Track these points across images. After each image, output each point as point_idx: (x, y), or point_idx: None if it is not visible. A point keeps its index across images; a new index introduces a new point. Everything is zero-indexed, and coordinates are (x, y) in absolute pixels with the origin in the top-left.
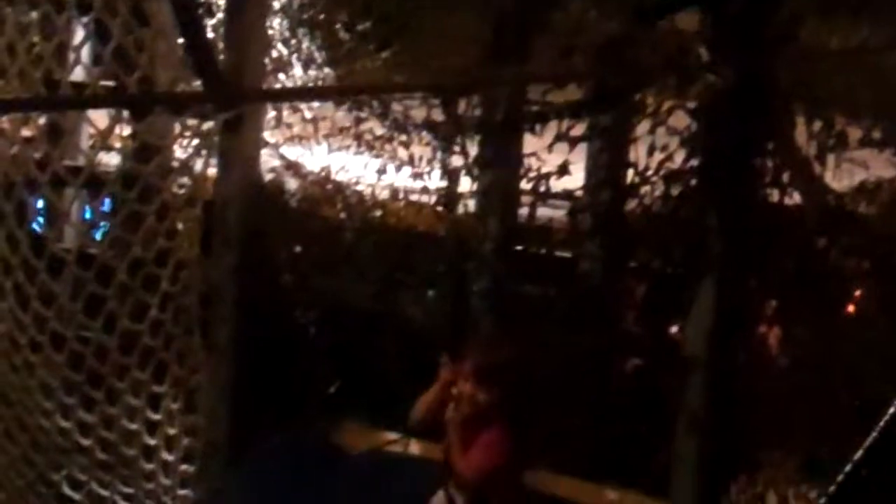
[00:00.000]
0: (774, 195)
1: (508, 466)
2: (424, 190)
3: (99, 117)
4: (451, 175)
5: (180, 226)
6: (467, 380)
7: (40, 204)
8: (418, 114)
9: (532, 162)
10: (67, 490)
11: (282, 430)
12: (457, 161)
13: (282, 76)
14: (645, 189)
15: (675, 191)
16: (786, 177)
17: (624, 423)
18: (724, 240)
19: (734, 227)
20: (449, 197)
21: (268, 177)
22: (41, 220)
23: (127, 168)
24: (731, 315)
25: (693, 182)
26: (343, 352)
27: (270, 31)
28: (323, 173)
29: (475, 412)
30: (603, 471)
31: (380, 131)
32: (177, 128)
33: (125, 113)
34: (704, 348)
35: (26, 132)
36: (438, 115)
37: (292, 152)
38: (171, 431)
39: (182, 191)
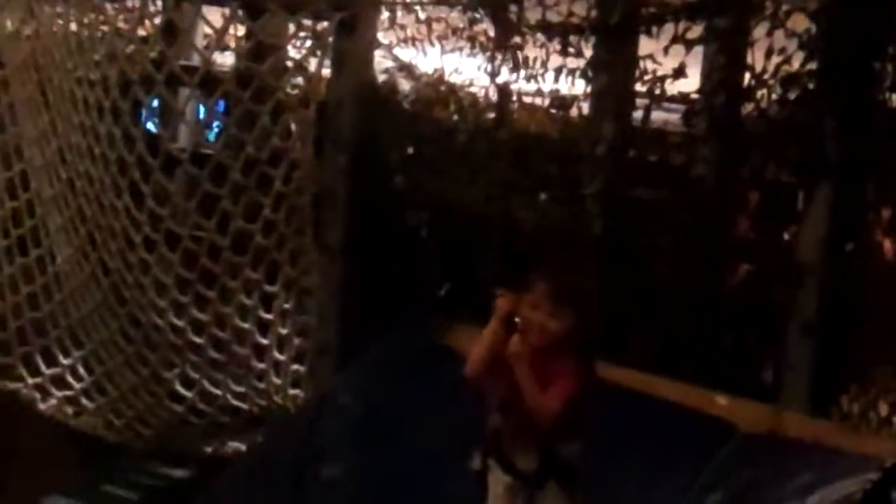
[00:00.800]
0: (894, 100)
1: (585, 399)
2: (538, 92)
3: (214, 17)
4: (564, 77)
5: (293, 126)
6: (538, 307)
7: (155, 103)
8: (532, 15)
9: (647, 64)
10: (179, 388)
11: (392, 331)
12: (571, 63)
13: None
14: (761, 93)
15: (792, 95)
16: None
17: (735, 331)
18: (841, 145)
19: (852, 132)
20: (562, 99)
21: (381, 78)
22: (156, 119)
23: (241, 68)
24: (846, 222)
25: (811, 86)
26: (453, 254)
27: None
28: (436, 75)
29: (547, 343)
30: (713, 378)
31: (493, 33)
32: (291, 27)
33: (240, 12)
34: (818, 255)
35: (142, 31)
36: (553, 16)
37: (405, 53)
38: (283, 331)
39: (296, 91)
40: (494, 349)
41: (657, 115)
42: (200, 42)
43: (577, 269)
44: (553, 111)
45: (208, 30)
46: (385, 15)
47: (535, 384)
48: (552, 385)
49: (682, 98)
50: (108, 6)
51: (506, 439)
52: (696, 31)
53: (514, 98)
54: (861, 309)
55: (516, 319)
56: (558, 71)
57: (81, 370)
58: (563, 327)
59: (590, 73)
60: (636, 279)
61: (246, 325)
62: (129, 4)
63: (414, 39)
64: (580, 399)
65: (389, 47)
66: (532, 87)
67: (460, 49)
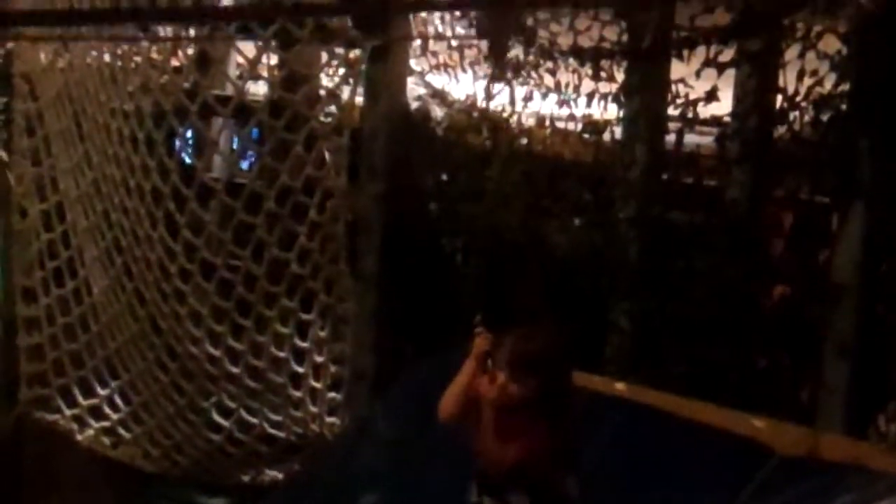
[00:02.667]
0: None
1: (544, 461)
2: (570, 117)
3: (247, 47)
4: (597, 102)
5: (327, 155)
6: (501, 369)
7: (189, 133)
8: (565, 40)
9: (679, 88)
10: (216, 417)
11: (427, 357)
12: (603, 88)
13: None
14: (793, 115)
15: (824, 116)
16: None
17: (771, 352)
18: (875, 165)
19: (884, 152)
20: (595, 124)
21: (414, 105)
22: (190, 149)
23: (275, 97)
24: (880, 242)
25: (843, 107)
26: (488, 280)
27: None
28: (468, 101)
29: (507, 404)
30: (749, 399)
31: (525, 58)
32: (324, 56)
33: (273, 42)
34: (853, 276)
35: (175, 62)
36: (585, 41)
37: (438, 80)
38: (319, 359)
39: (329, 119)
40: (469, 389)
41: (690, 139)
42: (233, 72)
43: (539, 337)
44: (586, 136)
45: (241, 59)
46: (417, 42)
47: (493, 433)
48: (512, 441)
49: (715, 121)
50: (142, 37)
51: (494, 477)
52: (727, 54)
53: (547, 123)
54: None
55: (489, 362)
56: (591, 96)
57: (118, 400)
58: (524, 393)
59: (622, 98)
60: (671, 302)
61: (282, 354)
62: (162, 35)
63: (446, 66)
64: (543, 463)
65: (422, 74)
66: (565, 111)
67: (492, 75)
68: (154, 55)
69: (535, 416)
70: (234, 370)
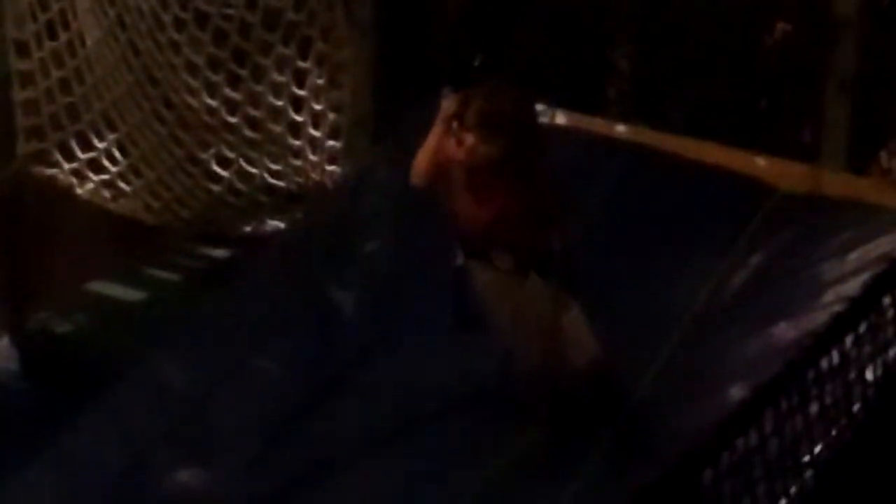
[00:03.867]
0: None
1: (521, 220)
2: None
3: None
4: None
5: None
6: (469, 130)
7: None
8: None
9: None
10: (216, 168)
11: (427, 103)
12: None
13: None
14: None
15: None
16: None
17: (772, 90)
18: None
19: None
20: None
21: None
22: None
23: None
24: None
25: None
26: (486, 23)
27: None
28: None
29: (479, 166)
30: (752, 139)
31: None
32: None
33: None
34: (855, 9)
35: None
36: None
37: None
38: (318, 107)
39: None
40: (439, 154)
41: None
42: None
43: (510, 95)
44: None
45: None
46: None
47: (467, 196)
48: (486, 202)
49: None
50: None
51: (474, 240)
52: None
53: None
54: None
55: (454, 125)
56: None
57: (117, 153)
58: (494, 153)
59: None
60: (672, 42)
61: (280, 103)
62: None
63: None
64: (516, 222)
65: None
66: None
67: None
68: None
69: (507, 176)
70: (232, 120)
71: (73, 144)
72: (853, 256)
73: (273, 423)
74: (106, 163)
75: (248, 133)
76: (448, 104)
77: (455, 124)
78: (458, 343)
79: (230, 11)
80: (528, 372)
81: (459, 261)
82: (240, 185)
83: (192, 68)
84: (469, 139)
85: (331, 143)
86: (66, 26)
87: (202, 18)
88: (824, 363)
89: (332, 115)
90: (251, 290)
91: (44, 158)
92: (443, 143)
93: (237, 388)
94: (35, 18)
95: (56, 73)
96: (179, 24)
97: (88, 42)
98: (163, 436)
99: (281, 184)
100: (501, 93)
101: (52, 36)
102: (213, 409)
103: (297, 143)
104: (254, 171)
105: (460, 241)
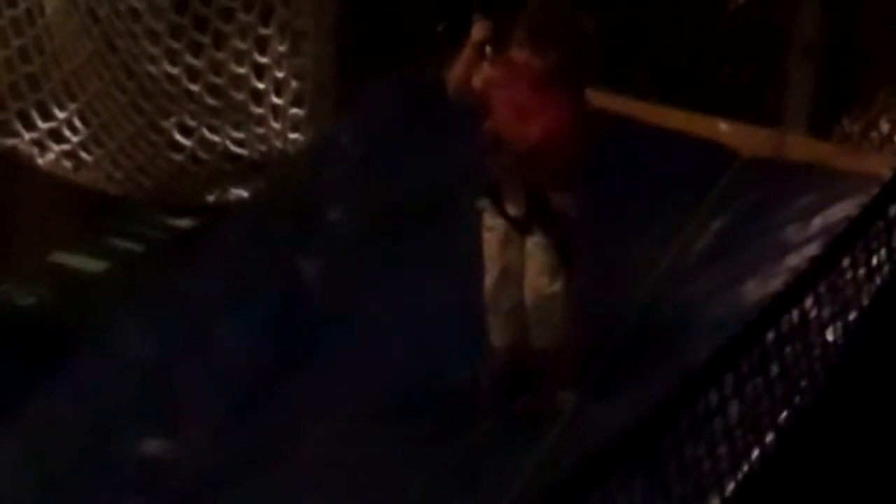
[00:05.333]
0: None
1: (567, 137)
2: None
3: None
4: None
5: None
6: (522, 45)
7: None
8: None
9: None
10: (178, 137)
11: (390, 70)
12: None
13: None
14: None
15: None
16: None
17: (735, 55)
18: None
19: None
20: None
21: None
22: None
23: None
24: None
25: None
26: None
27: None
28: None
29: (534, 79)
30: (715, 104)
31: None
32: None
33: None
34: None
35: None
36: None
37: None
38: (280, 75)
39: None
40: (468, 76)
41: None
42: None
43: (558, 5)
44: None
45: None
46: None
47: (511, 112)
48: (535, 117)
49: None
50: None
51: (499, 181)
52: None
53: None
54: (861, 27)
55: (488, 49)
56: None
57: (78, 123)
58: (548, 64)
59: None
60: (634, 7)
61: (241, 70)
62: None
63: None
64: (571, 148)
65: None
66: None
67: None
68: None
69: (559, 87)
70: (194, 88)
71: (34, 114)
72: (816, 220)
73: (237, 393)
74: (67, 132)
75: (210, 101)
76: (478, 30)
77: (488, 48)
78: (421, 314)
79: None
80: (494, 351)
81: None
82: (202, 154)
83: (152, 36)
84: (520, 54)
85: (293, 110)
86: None
87: None
88: (784, 324)
89: (294, 83)
90: (215, 260)
91: (4, 128)
92: (471, 66)
93: (201, 358)
94: None
95: (15, 42)
96: None
97: (48, 10)
98: (127, 406)
99: (244, 152)
100: (550, 7)
101: (12, 3)
102: (177, 378)
103: (259, 110)
104: (216, 139)
105: (484, 174)
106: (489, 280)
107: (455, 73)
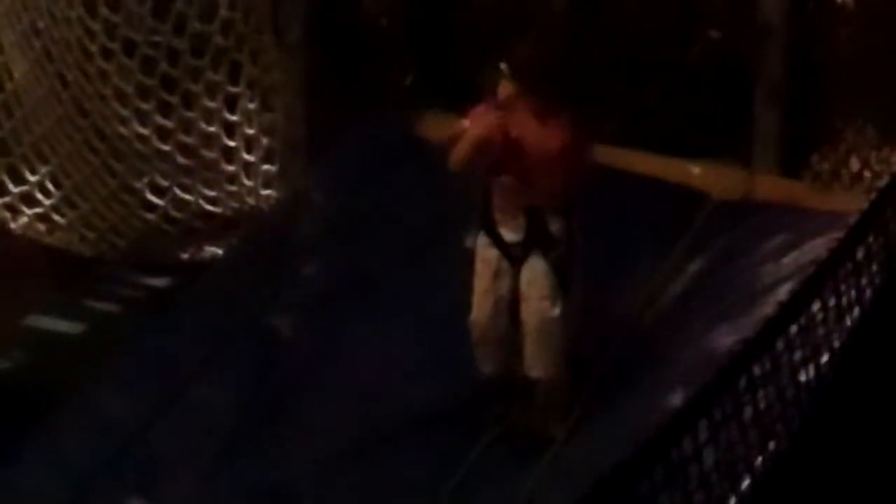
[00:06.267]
0: None
1: (565, 159)
2: None
3: None
4: None
5: None
6: (506, 90)
7: None
8: None
9: None
10: (151, 196)
11: (361, 125)
12: None
13: None
14: None
15: None
16: None
17: (703, 98)
18: None
19: None
20: None
21: None
22: None
23: None
24: None
25: None
26: (417, 42)
27: None
28: None
29: (533, 113)
30: (684, 146)
31: None
32: None
33: None
34: (781, 15)
35: None
36: None
37: None
38: (250, 131)
39: None
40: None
41: None
42: None
43: (541, 44)
44: None
45: None
46: None
47: (532, 125)
48: (548, 142)
49: None
50: None
51: (495, 209)
52: None
53: None
54: (828, 67)
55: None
56: None
57: (50, 186)
58: (534, 95)
59: None
60: (602, 52)
61: (212, 129)
62: None
63: None
64: (569, 170)
65: None
66: None
67: None
68: None
69: (563, 123)
70: (165, 148)
71: (5, 178)
72: (788, 259)
73: (216, 451)
74: (39, 196)
75: (182, 160)
76: (504, 89)
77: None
78: (398, 364)
79: (157, 39)
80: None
81: (468, 242)
82: (175, 213)
83: (121, 97)
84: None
85: (265, 166)
86: None
87: (129, 46)
88: (756, 369)
89: (265, 139)
90: (190, 318)
91: None
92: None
93: (179, 417)
94: None
95: None
96: (107, 54)
97: (16, 75)
98: (104, 467)
99: (217, 209)
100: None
101: None
102: (155, 438)
103: (231, 168)
104: (189, 197)
105: (483, 213)
106: (480, 313)
107: (468, 140)
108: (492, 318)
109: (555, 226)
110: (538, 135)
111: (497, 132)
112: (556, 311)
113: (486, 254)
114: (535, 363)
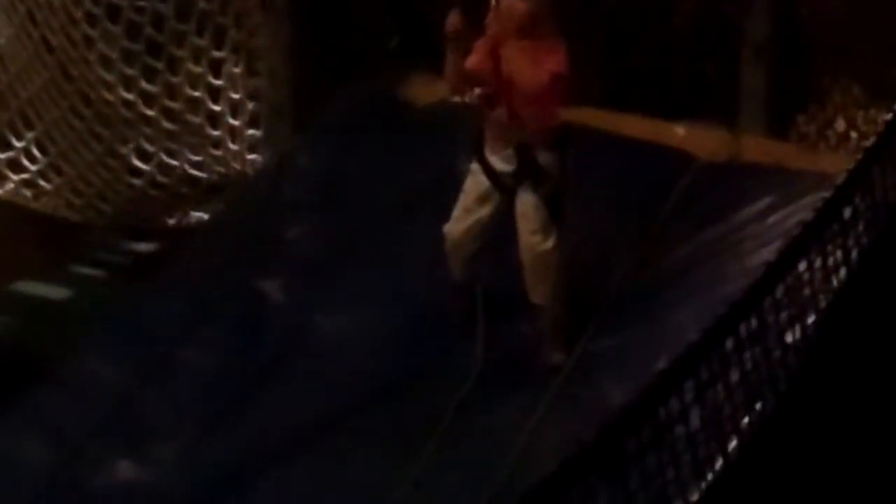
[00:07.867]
0: None
1: (553, 88)
2: None
3: None
4: None
5: None
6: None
7: None
8: None
9: None
10: (136, 162)
11: (346, 88)
12: None
13: None
14: None
15: None
16: None
17: (689, 58)
18: None
19: None
20: None
21: None
22: None
23: None
24: None
25: None
26: (401, 5)
27: None
28: None
29: (522, 24)
30: (670, 108)
31: None
32: None
33: None
34: None
35: None
36: None
37: None
38: (235, 96)
39: None
40: (459, 66)
41: None
42: None
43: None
44: None
45: None
46: None
47: (518, 65)
48: (539, 63)
49: None
50: None
51: (488, 141)
52: None
53: None
54: (814, 26)
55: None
56: None
57: (36, 152)
58: (533, 6)
59: None
60: (587, 14)
61: (197, 94)
62: None
63: None
64: (557, 101)
65: None
66: None
67: None
68: None
69: (552, 36)
70: (150, 113)
71: None
72: (774, 220)
73: (204, 414)
74: (25, 161)
75: (167, 125)
76: (450, 21)
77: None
78: (384, 328)
79: (142, 3)
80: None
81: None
82: (161, 178)
83: (106, 62)
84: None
85: (250, 131)
86: None
87: (114, 12)
88: (743, 329)
89: (250, 104)
90: (177, 283)
91: None
92: (461, 63)
93: (167, 381)
94: None
95: None
96: (92, 19)
97: (1, 40)
98: (92, 431)
99: (202, 175)
100: None
101: None
102: (144, 402)
103: (216, 133)
104: (175, 163)
105: (475, 143)
106: (458, 227)
107: (448, 72)
108: (465, 235)
109: (546, 160)
110: (527, 70)
111: (484, 64)
112: (549, 244)
113: (478, 176)
114: (535, 292)
